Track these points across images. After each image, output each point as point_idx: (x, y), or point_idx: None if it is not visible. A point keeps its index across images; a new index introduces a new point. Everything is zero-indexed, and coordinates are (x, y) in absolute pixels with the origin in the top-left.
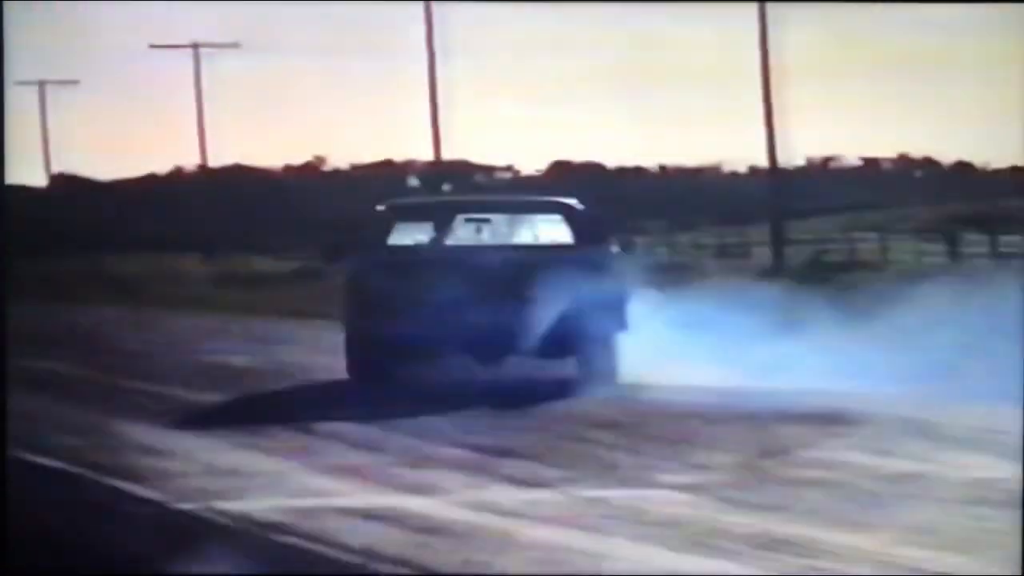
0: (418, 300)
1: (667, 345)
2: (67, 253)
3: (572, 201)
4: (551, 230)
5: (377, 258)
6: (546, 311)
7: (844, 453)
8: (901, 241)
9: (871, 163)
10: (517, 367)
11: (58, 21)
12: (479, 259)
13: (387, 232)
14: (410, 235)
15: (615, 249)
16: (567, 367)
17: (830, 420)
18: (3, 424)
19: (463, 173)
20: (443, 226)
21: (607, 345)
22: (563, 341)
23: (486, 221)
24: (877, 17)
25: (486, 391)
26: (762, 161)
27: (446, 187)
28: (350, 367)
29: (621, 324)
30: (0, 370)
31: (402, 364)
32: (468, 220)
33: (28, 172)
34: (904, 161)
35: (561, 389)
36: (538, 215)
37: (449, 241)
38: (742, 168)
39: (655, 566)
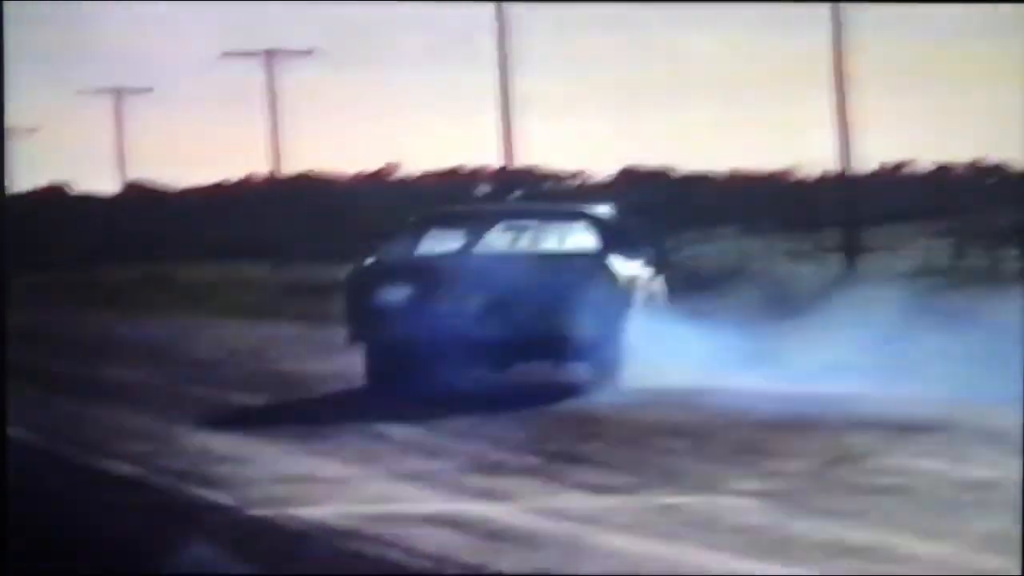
0: (419, 307)
1: (735, 350)
2: (139, 261)
3: (600, 209)
4: (577, 238)
5: (377, 267)
6: (556, 317)
7: (917, 460)
8: (975, 247)
9: (944, 169)
10: (532, 371)
11: (132, 28)
12: (493, 267)
13: (418, 240)
14: (441, 243)
15: (642, 254)
16: (575, 370)
17: (901, 426)
18: (3, 423)
19: (532, 180)
20: (472, 234)
21: (613, 348)
22: (569, 345)
23: (524, 229)
24: (951, 23)
25: (515, 395)
26: (834, 167)
27: (515, 194)
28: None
29: (623, 328)
30: (0, 369)
31: (413, 371)
32: (506, 228)
33: (102, 181)
34: (977, 167)
35: (582, 391)
36: (566, 223)
37: (477, 249)
38: (814, 174)
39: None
